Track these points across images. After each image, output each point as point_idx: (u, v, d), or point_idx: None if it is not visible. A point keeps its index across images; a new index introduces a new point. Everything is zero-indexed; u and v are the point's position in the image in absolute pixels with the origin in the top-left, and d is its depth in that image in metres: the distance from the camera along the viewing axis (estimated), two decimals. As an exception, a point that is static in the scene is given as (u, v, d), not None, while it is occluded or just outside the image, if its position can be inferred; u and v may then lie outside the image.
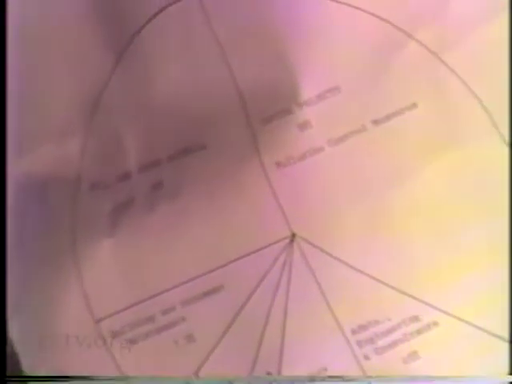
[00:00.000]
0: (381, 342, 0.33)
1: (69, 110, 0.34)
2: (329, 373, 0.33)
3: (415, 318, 0.33)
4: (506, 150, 0.34)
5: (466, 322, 0.33)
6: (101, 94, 0.33)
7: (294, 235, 0.33)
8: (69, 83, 0.33)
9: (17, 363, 0.32)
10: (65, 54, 0.33)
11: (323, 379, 0.32)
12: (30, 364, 0.33)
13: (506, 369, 0.32)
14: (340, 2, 0.34)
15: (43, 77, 0.33)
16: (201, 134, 0.34)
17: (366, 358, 0.33)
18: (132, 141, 0.34)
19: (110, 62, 0.34)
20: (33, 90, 0.33)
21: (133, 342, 0.33)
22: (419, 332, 0.33)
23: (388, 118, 0.34)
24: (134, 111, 0.34)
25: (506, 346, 0.33)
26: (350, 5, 0.34)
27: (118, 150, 0.34)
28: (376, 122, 0.34)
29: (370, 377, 0.32)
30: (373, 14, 0.34)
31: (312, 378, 0.32)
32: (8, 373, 0.32)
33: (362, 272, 0.33)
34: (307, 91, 0.34)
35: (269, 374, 0.32)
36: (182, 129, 0.34)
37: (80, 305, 0.33)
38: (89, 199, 0.34)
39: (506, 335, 0.33)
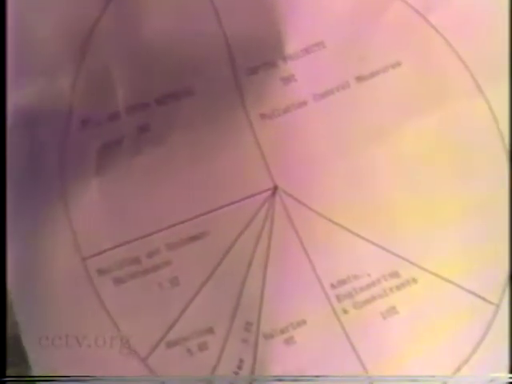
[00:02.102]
0: (359, 297, 0.33)
1: (60, 46, 0.34)
2: (308, 325, 0.33)
3: (395, 274, 0.33)
4: (488, 110, 0.34)
5: (445, 280, 0.33)
6: (91, 31, 0.33)
7: (276, 187, 0.33)
8: (60, 19, 0.33)
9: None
10: None
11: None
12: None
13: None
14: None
15: (34, 11, 0.33)
16: (189, 80, 0.34)
17: (345, 311, 0.33)
18: (121, 81, 0.34)
19: (102, 1, 0.34)
20: (24, 25, 0.33)
21: (119, 281, 0.33)
22: (398, 288, 0.33)
23: (372, 75, 0.34)
24: (124, 52, 0.34)
25: (484, 304, 0.33)
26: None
27: (108, 88, 0.34)
28: (360, 79, 0.34)
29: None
30: (359, -28, 0.34)
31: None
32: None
33: (342, 227, 0.33)
34: (292, 45, 0.34)
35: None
36: (170, 73, 0.34)
37: (67, 242, 0.33)
38: (79, 136, 0.34)
39: (484, 294, 0.33)
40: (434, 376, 0.33)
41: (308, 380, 0.32)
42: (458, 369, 0.32)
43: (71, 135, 0.33)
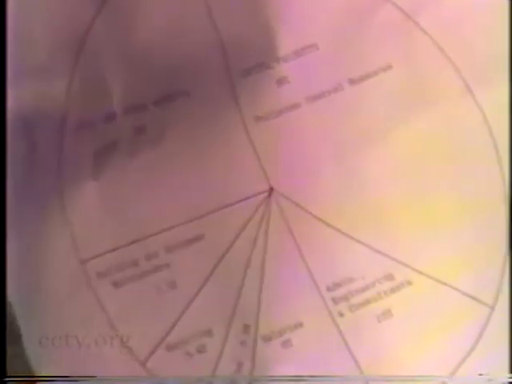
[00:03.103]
0: (355, 300, 0.33)
1: (55, 48, 0.33)
2: (304, 328, 0.32)
3: (389, 277, 0.33)
4: (478, 112, 0.34)
5: (439, 282, 0.33)
6: (86, 34, 0.33)
7: (271, 189, 0.33)
8: (55, 21, 0.33)
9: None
10: None
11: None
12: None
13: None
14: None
15: (30, 13, 0.33)
16: (185, 82, 0.34)
17: (341, 314, 0.33)
18: (117, 83, 0.34)
19: (96, 3, 0.33)
20: (19, 26, 0.33)
21: (117, 284, 0.32)
22: (393, 290, 0.33)
23: (364, 77, 0.35)
24: (119, 54, 0.34)
25: (479, 306, 0.33)
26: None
27: (103, 91, 0.34)
28: (352, 82, 0.34)
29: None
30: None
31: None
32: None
33: (337, 229, 0.33)
34: (285, 47, 0.35)
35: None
36: (165, 75, 0.34)
37: (66, 245, 0.33)
38: (74, 139, 0.33)
39: (479, 295, 0.33)
40: (433, 376, 0.32)
41: (307, 380, 0.31)
42: (454, 371, 0.32)
43: (67, 138, 0.33)
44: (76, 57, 0.33)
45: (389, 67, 0.35)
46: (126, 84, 0.34)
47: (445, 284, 0.33)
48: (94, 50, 0.34)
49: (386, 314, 0.33)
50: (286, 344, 0.32)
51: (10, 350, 0.30)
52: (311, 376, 0.32)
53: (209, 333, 0.32)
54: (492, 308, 0.33)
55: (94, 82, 0.33)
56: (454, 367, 0.33)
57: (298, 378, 0.32)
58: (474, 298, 0.33)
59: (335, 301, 0.33)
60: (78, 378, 0.31)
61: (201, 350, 0.32)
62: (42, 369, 0.31)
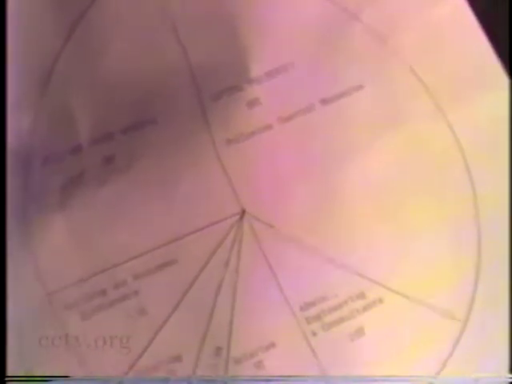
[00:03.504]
0: (327, 318, 0.33)
1: (21, 83, 0.33)
2: (277, 348, 0.33)
3: (361, 295, 0.33)
4: (449, 131, 0.34)
5: (410, 299, 0.33)
6: (53, 66, 0.33)
7: (244, 212, 0.34)
8: (20, 55, 0.33)
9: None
10: (17, 27, 0.33)
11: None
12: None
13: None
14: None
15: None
16: (152, 109, 0.34)
17: (314, 334, 0.33)
18: (83, 114, 0.34)
19: (62, 36, 0.34)
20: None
21: (86, 315, 0.32)
22: (365, 309, 0.33)
23: (336, 97, 0.35)
24: (86, 84, 0.34)
25: (450, 321, 0.33)
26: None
27: (70, 122, 0.34)
28: (324, 102, 0.34)
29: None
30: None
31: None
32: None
33: (310, 249, 0.34)
34: (256, 69, 0.35)
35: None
36: (133, 103, 0.34)
37: (32, 278, 0.33)
38: (41, 174, 0.33)
39: (451, 311, 0.34)
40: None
41: (279, 380, 0.32)
42: (426, 387, 0.32)
43: (33, 171, 0.33)
44: (41, 92, 0.33)
45: (360, 87, 0.35)
46: (93, 114, 0.34)
47: (415, 301, 0.33)
48: (60, 81, 0.34)
49: (359, 332, 0.33)
50: (259, 365, 0.32)
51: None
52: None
53: (178, 358, 0.32)
54: (464, 323, 0.33)
55: (60, 115, 0.34)
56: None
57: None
58: (445, 314, 0.33)
59: (308, 320, 0.33)
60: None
61: (171, 375, 0.32)
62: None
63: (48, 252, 0.33)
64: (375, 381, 0.32)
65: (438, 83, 0.35)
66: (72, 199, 0.33)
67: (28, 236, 0.32)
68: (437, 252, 0.34)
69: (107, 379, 0.32)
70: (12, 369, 0.31)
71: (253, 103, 0.34)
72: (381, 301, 0.33)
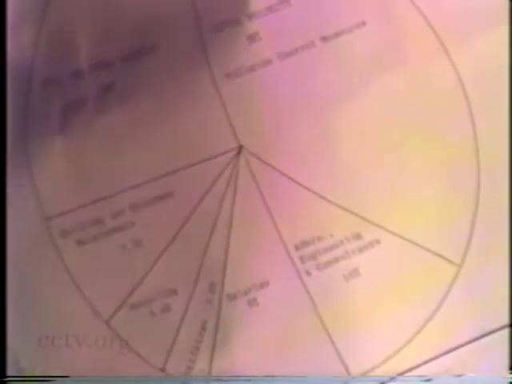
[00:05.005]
0: (322, 258, 0.33)
1: (21, 1, 0.33)
2: (270, 287, 0.32)
3: (358, 236, 0.33)
4: (452, 70, 0.34)
5: (408, 241, 0.33)
6: None
7: (241, 147, 0.33)
8: None
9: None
10: None
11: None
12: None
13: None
14: None
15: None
16: (153, 37, 0.34)
17: (308, 273, 0.33)
18: (84, 38, 0.33)
19: None
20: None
21: (81, 242, 0.32)
22: (361, 250, 0.33)
23: (337, 35, 0.34)
24: (87, 7, 0.33)
25: (446, 264, 0.33)
26: None
27: (71, 46, 0.33)
28: (325, 39, 0.34)
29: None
30: None
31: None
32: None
33: (306, 188, 0.33)
34: (256, 3, 0.34)
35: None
36: (134, 30, 0.34)
37: (31, 202, 0.33)
38: (41, 95, 0.33)
39: (447, 254, 0.33)
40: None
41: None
42: (420, 330, 0.32)
43: (34, 93, 0.33)
44: (42, 11, 0.33)
45: (362, 24, 0.34)
46: (93, 40, 0.33)
47: (413, 243, 0.33)
48: (61, 5, 0.33)
49: (354, 273, 0.33)
50: (252, 303, 0.32)
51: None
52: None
53: (173, 292, 0.32)
54: (460, 266, 0.33)
55: (60, 38, 0.33)
56: (421, 326, 0.32)
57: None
58: (441, 257, 0.33)
59: (303, 259, 0.33)
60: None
61: (165, 309, 0.32)
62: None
63: (47, 177, 0.33)
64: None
65: (443, 21, 0.34)
66: (71, 125, 0.33)
67: (28, 160, 0.32)
68: (435, 194, 0.34)
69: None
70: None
71: (253, 38, 0.34)
72: (378, 241, 0.33)
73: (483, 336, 0.33)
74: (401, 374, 0.32)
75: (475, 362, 0.33)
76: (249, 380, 0.31)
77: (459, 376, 0.32)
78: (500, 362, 0.33)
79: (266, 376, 0.31)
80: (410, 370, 0.32)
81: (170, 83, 0.33)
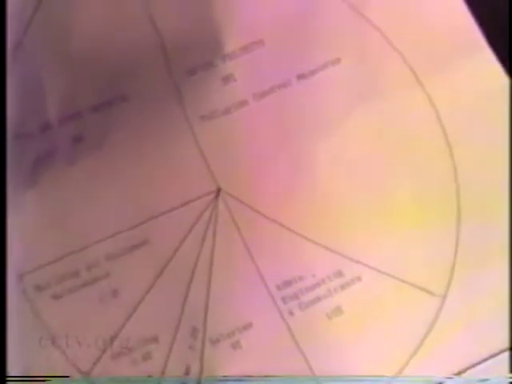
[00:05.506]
0: (305, 298, 0.33)
1: None
2: (254, 328, 0.32)
3: (339, 273, 0.33)
4: (427, 102, 0.34)
5: (389, 276, 0.33)
6: (25, 31, 0.33)
7: (219, 190, 0.33)
8: None
9: None
10: None
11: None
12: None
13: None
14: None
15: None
16: (123, 86, 0.33)
17: (291, 313, 0.33)
18: (53, 89, 0.33)
19: (32, 5, 0.33)
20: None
21: (57, 296, 0.32)
22: (343, 287, 0.33)
23: (312, 72, 0.34)
24: (55, 58, 0.33)
25: (429, 296, 0.33)
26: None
27: (40, 98, 0.33)
28: (301, 77, 0.34)
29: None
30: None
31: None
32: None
33: (286, 227, 0.33)
34: (230, 44, 0.34)
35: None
36: (103, 80, 0.33)
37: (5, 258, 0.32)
38: (14, 149, 0.33)
39: (430, 287, 0.33)
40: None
41: (254, 381, 0.31)
42: (404, 366, 0.32)
43: (9, 146, 0.33)
44: (12, 57, 0.33)
45: (337, 60, 0.34)
46: (61, 90, 0.33)
47: (394, 277, 0.33)
48: (29, 51, 0.33)
49: (336, 311, 0.33)
50: (235, 346, 0.32)
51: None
52: (260, 376, 0.31)
53: (154, 339, 0.32)
54: (443, 297, 0.33)
55: (29, 88, 0.33)
56: (406, 360, 0.32)
57: (248, 378, 0.31)
58: (423, 290, 0.33)
59: (285, 300, 0.33)
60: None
61: (146, 357, 0.32)
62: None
63: (20, 231, 0.32)
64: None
65: (416, 54, 0.34)
66: (43, 178, 0.32)
67: (4, 213, 0.32)
68: (415, 227, 0.34)
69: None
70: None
71: (227, 79, 0.34)
72: (359, 278, 0.33)
73: (469, 368, 0.32)
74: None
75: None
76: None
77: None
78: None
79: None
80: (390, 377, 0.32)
81: (144, 128, 0.33)
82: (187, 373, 0.32)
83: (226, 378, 0.32)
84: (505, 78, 0.34)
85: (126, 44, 0.33)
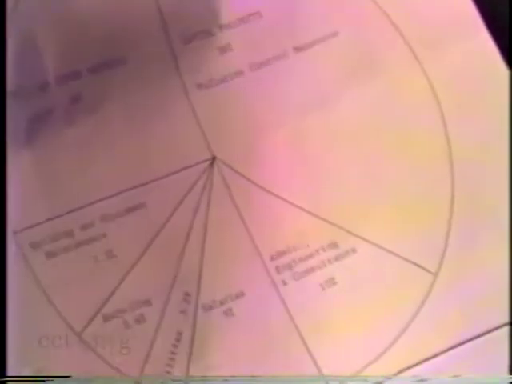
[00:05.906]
0: (298, 268, 0.33)
1: None
2: (246, 297, 0.33)
3: (333, 245, 0.33)
4: (425, 80, 0.34)
5: (384, 249, 0.33)
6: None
7: (214, 158, 0.33)
8: None
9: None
10: None
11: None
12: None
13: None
14: None
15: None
16: (122, 49, 0.34)
17: (284, 283, 0.33)
18: (50, 49, 0.33)
19: None
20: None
21: (52, 255, 0.32)
22: (337, 258, 0.33)
23: (310, 45, 0.34)
24: (53, 17, 0.34)
25: (422, 272, 0.33)
26: None
27: (37, 57, 0.33)
28: (298, 49, 0.34)
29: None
30: None
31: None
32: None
33: (281, 197, 0.33)
34: (228, 14, 0.34)
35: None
36: (101, 42, 0.34)
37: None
38: (12, 108, 0.33)
39: (423, 262, 0.33)
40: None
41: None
42: (396, 339, 0.32)
43: (6, 106, 0.33)
44: (10, 16, 0.33)
45: (335, 34, 0.34)
46: (59, 49, 0.33)
47: (388, 251, 0.33)
48: (27, 14, 0.33)
49: (330, 282, 0.33)
50: (228, 313, 0.32)
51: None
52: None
53: (147, 302, 0.32)
54: (436, 275, 0.33)
55: (27, 47, 0.33)
56: (397, 335, 0.32)
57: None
58: (417, 265, 0.33)
59: (278, 270, 0.33)
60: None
61: (139, 319, 0.32)
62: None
63: (17, 189, 0.32)
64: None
65: (414, 31, 0.35)
66: (41, 137, 0.33)
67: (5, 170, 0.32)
68: (409, 201, 0.34)
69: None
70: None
71: (224, 49, 0.34)
72: (354, 250, 0.33)
73: (460, 344, 0.32)
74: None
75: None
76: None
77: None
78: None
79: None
80: (388, 378, 0.32)
81: (141, 94, 0.33)
82: (178, 339, 0.31)
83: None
84: (502, 63, 0.34)
85: (123, 7, 0.33)
